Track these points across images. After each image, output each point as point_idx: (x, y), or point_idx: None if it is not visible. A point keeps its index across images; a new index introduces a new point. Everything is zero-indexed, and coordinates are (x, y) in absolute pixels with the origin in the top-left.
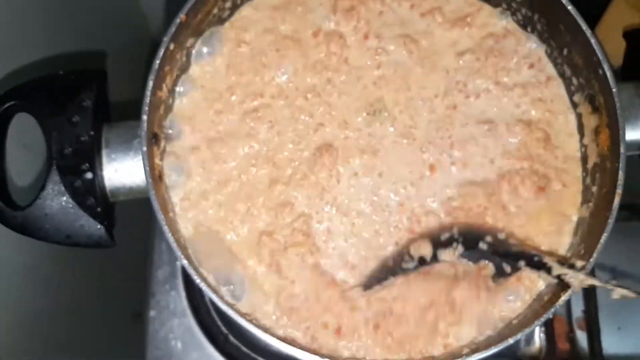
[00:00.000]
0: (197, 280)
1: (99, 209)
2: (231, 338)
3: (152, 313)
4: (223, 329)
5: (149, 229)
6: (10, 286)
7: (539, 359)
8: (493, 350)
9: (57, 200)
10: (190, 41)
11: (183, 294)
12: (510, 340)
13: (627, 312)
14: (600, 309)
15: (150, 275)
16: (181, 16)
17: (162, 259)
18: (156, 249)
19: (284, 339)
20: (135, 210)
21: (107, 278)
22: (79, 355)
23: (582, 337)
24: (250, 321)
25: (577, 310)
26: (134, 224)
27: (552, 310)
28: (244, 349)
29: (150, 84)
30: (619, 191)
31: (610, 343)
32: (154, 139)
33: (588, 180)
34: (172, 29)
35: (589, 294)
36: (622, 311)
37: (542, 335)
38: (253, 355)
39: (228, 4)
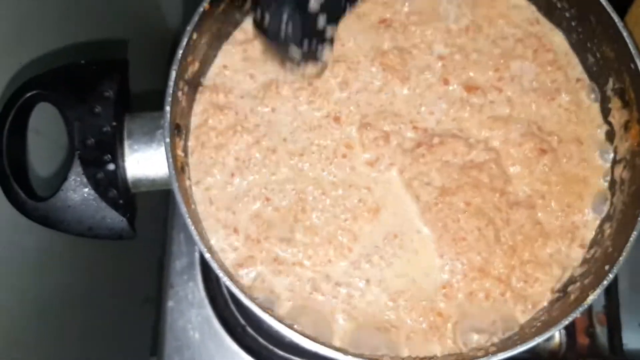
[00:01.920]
0: (224, 278)
1: (121, 201)
2: (249, 329)
3: (170, 303)
4: (241, 320)
5: (166, 219)
6: (22, 272)
7: (558, 354)
8: (518, 349)
9: (79, 192)
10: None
11: (201, 285)
12: (537, 340)
13: None
14: (621, 304)
15: (169, 266)
16: (204, 5)
17: (180, 250)
18: (175, 240)
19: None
20: (149, 200)
21: (121, 265)
22: (91, 343)
23: (602, 333)
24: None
25: (598, 305)
26: (149, 213)
27: (580, 309)
28: (261, 340)
29: (173, 74)
30: None
31: (630, 338)
32: (176, 130)
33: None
34: (196, 17)
35: (611, 289)
36: None
37: (562, 330)
38: (270, 347)
39: None
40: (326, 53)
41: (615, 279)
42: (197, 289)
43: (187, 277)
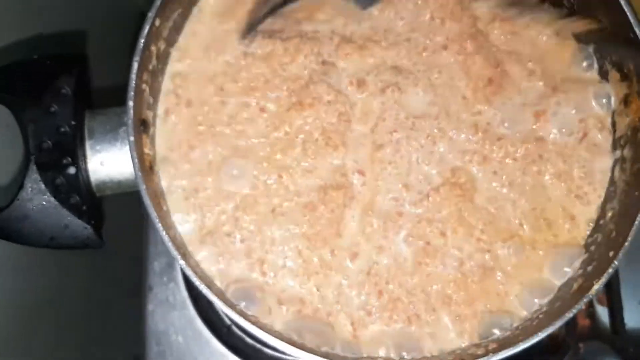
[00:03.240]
0: (198, 283)
1: (84, 207)
2: (234, 329)
3: (150, 307)
4: (226, 320)
5: (141, 220)
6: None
7: (558, 337)
8: (520, 347)
9: (37, 200)
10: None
11: (182, 285)
12: (540, 335)
13: None
14: (622, 283)
15: (147, 268)
16: None
17: (157, 250)
18: (151, 239)
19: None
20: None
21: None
22: (71, 348)
23: (603, 313)
24: (252, 321)
25: None
26: (125, 213)
27: (585, 300)
28: (247, 340)
29: (135, 65)
30: None
31: (631, 318)
32: (142, 126)
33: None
34: (157, 2)
35: None
36: None
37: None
38: (257, 346)
39: None
40: None
41: None
42: (178, 290)
43: (167, 278)
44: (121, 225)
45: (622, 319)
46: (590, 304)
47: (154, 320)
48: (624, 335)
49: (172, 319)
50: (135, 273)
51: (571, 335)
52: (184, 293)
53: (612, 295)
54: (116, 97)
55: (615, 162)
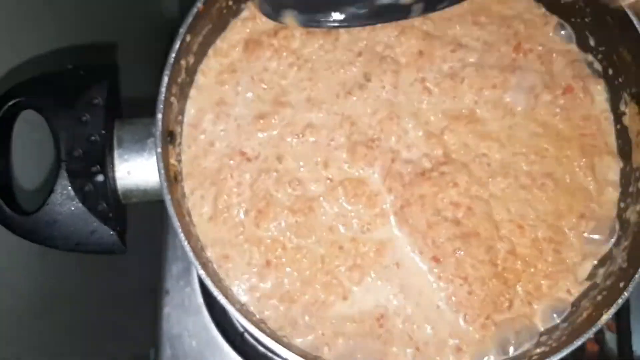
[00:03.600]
0: (219, 297)
1: (110, 214)
2: (247, 337)
3: (166, 310)
4: (239, 327)
5: (161, 224)
6: (18, 269)
7: None
8: None
9: (66, 206)
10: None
11: (198, 290)
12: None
13: None
14: (631, 310)
15: (164, 271)
16: (198, 5)
17: (175, 255)
18: (170, 244)
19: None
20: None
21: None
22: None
23: (611, 339)
24: (262, 329)
25: None
26: (145, 217)
27: (594, 329)
28: (260, 348)
29: (166, 79)
30: None
31: None
32: (169, 137)
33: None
34: (189, 19)
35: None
36: None
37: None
38: (270, 355)
39: None
40: None
41: None
42: (194, 295)
43: (184, 282)
44: (141, 229)
45: (631, 345)
46: (599, 330)
47: (169, 323)
48: None
49: (187, 324)
50: (153, 276)
51: (579, 359)
52: (200, 299)
53: (620, 321)
54: (145, 107)
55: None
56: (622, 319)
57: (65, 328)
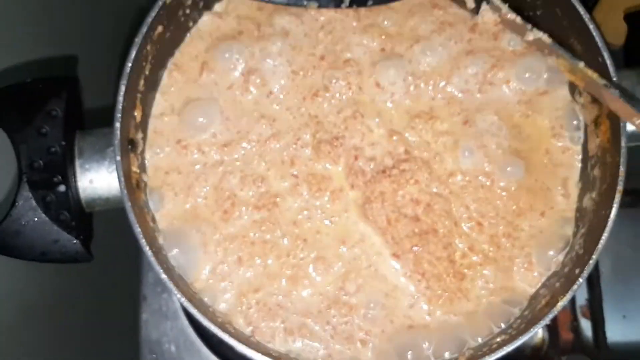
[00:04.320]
0: (182, 300)
1: (73, 223)
2: None
3: (144, 316)
4: None
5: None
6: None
7: (542, 350)
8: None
9: (29, 217)
10: None
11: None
12: (505, 349)
13: (633, 300)
14: (604, 297)
15: (141, 278)
16: (152, 14)
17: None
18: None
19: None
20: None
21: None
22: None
23: (586, 326)
24: (228, 332)
25: (581, 298)
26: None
27: (550, 316)
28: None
29: (122, 89)
30: (619, 188)
31: (615, 331)
32: (130, 145)
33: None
34: (144, 28)
35: (593, 282)
36: (628, 299)
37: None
38: (248, 356)
39: None
40: None
41: (598, 271)
42: (171, 300)
43: (161, 288)
44: (119, 236)
45: (605, 333)
46: (575, 318)
47: (147, 329)
48: (606, 349)
49: (165, 329)
50: (130, 283)
51: (555, 348)
52: (177, 303)
53: (594, 309)
54: (108, 117)
55: (586, 181)
56: (595, 306)
57: (47, 340)
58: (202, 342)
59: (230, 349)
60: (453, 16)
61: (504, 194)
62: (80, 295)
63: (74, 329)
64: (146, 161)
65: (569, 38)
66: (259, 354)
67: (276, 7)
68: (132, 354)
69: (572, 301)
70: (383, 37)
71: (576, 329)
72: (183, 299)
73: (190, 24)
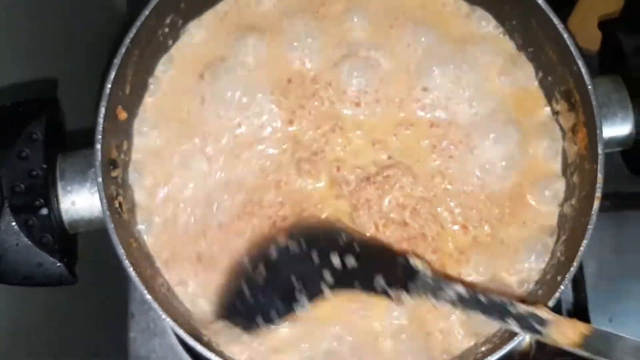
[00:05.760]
0: (168, 320)
1: (56, 246)
2: None
3: (132, 334)
4: None
5: None
6: None
7: (529, 355)
8: None
9: (11, 241)
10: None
11: None
12: (492, 358)
13: (619, 303)
14: (590, 300)
15: (128, 295)
16: (129, 37)
17: None
18: None
19: None
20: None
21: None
22: None
23: None
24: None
25: (567, 302)
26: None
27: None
28: None
29: (102, 110)
30: (598, 194)
31: None
32: (111, 165)
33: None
34: (122, 49)
35: (578, 285)
36: (613, 302)
37: None
38: None
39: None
40: None
41: (582, 275)
42: (159, 318)
43: (148, 306)
44: (105, 254)
45: None
46: None
47: (135, 347)
48: None
49: (154, 346)
50: (118, 301)
51: (542, 352)
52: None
53: (581, 313)
54: (91, 138)
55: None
56: (581, 310)
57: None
58: (191, 358)
59: None
60: None
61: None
62: (68, 315)
63: (64, 349)
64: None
65: (544, 47)
66: None
67: None
68: None
69: (559, 305)
70: None
71: None
72: (168, 319)
73: (170, 42)
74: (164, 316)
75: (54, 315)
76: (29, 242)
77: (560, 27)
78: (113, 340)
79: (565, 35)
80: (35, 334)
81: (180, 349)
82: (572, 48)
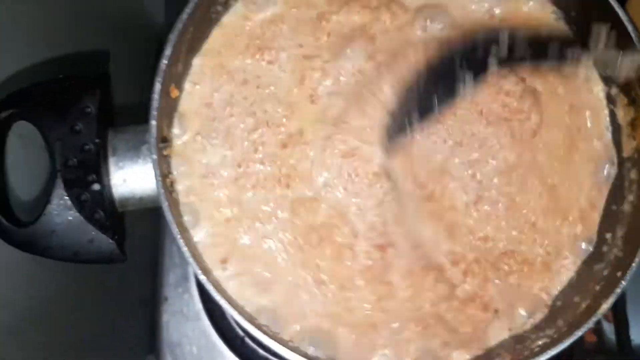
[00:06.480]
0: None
1: (108, 223)
2: (248, 340)
3: (165, 318)
4: (239, 331)
5: (156, 231)
6: (13, 279)
7: (564, 353)
8: None
9: (63, 216)
10: None
11: (196, 296)
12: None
13: None
14: (628, 299)
15: (162, 279)
16: (187, 11)
17: (173, 262)
18: (167, 251)
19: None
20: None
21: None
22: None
23: (609, 329)
24: (269, 334)
25: None
26: (141, 225)
27: (594, 319)
28: (261, 351)
29: (158, 86)
30: None
31: (637, 334)
32: (163, 142)
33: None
34: (179, 25)
35: None
36: None
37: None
38: (271, 358)
39: None
40: None
41: None
42: (193, 302)
43: (182, 289)
44: (137, 237)
45: (628, 335)
46: (598, 321)
47: (168, 331)
48: (630, 352)
49: (186, 330)
50: (149, 285)
51: (578, 351)
52: (199, 305)
53: (618, 311)
54: (138, 114)
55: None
56: (619, 308)
57: (60, 339)
58: (224, 343)
59: (253, 350)
60: None
61: None
62: (97, 297)
63: (93, 331)
64: None
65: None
66: (287, 350)
67: None
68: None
69: None
70: None
71: (599, 331)
72: (223, 301)
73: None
74: (217, 297)
75: (84, 296)
76: (82, 218)
77: (624, 17)
78: (142, 325)
79: (630, 28)
80: (64, 315)
81: (213, 332)
82: (635, 39)
